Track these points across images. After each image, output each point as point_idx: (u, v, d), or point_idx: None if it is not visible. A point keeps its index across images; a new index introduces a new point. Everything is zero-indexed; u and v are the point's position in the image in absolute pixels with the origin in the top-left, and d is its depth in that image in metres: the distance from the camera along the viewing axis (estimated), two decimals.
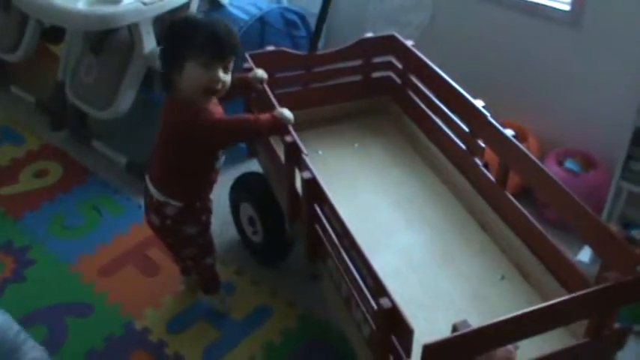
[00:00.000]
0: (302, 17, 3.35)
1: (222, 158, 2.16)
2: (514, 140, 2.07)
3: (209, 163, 2.14)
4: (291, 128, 2.06)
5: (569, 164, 2.75)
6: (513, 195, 2.16)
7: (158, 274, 2.58)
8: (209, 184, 2.19)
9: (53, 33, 3.43)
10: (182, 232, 2.18)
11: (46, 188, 3.06)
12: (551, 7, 2.75)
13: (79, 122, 3.30)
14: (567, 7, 2.70)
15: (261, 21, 3.26)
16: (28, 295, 2.52)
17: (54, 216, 2.88)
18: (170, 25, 2.01)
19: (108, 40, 3.00)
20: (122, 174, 3.10)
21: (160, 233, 2.24)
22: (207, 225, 2.26)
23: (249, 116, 2.11)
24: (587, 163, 2.77)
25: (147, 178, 2.15)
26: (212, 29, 1.95)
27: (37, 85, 3.65)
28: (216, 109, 2.05)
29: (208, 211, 2.24)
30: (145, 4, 2.71)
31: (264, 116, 2.07)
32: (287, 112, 2.08)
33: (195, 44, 1.92)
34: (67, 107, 3.25)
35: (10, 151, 3.30)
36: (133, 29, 2.82)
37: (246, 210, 2.54)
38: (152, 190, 2.12)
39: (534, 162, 2.00)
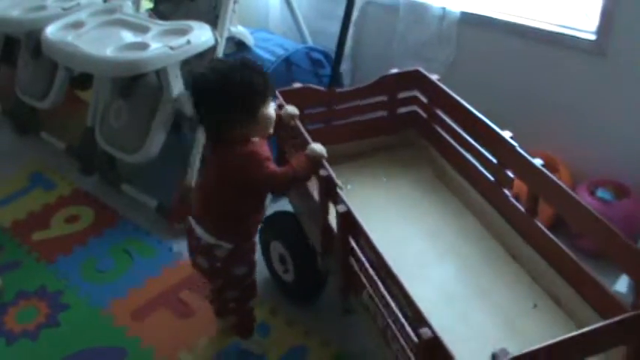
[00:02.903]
0: (327, 56, 3.38)
1: (269, 197, 2.18)
2: (544, 169, 2.06)
3: (260, 204, 2.18)
4: (325, 162, 2.07)
5: (601, 193, 2.72)
6: (548, 226, 2.14)
7: (192, 317, 2.58)
8: (258, 223, 2.22)
9: (81, 80, 3.48)
10: (232, 273, 2.20)
11: (77, 233, 3.08)
12: (576, 37, 2.75)
13: (108, 167, 3.34)
14: (593, 37, 2.70)
15: (287, 61, 3.30)
16: (62, 339, 2.52)
17: (86, 260, 2.90)
18: (220, 80, 1.98)
19: (136, 84, 3.04)
20: (153, 217, 3.12)
21: (209, 275, 2.25)
22: (254, 264, 2.28)
23: (289, 168, 2.09)
24: (620, 191, 2.74)
25: (192, 221, 2.16)
26: (259, 68, 2.03)
27: (67, 131, 3.70)
28: (264, 149, 2.07)
29: (254, 250, 2.26)
30: (172, 48, 2.75)
31: (299, 160, 2.08)
32: (318, 147, 2.09)
33: (261, 87, 1.97)
34: (97, 152, 3.29)
35: (41, 197, 3.34)
36: (161, 74, 2.85)
37: (277, 249, 2.54)
38: (200, 233, 2.12)
39: (566, 191, 1.98)
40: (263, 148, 2.08)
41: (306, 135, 2.19)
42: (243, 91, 1.96)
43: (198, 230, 2.12)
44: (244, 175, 2.02)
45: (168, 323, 2.56)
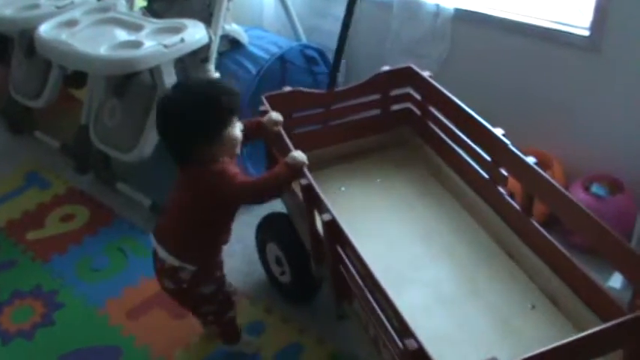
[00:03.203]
0: (321, 53, 3.38)
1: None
2: (536, 167, 2.05)
3: (228, 224, 2.15)
4: (306, 170, 2.05)
5: (595, 189, 2.73)
6: (541, 222, 2.15)
7: (186, 316, 2.56)
8: (223, 244, 2.20)
9: (75, 78, 3.48)
10: (200, 292, 2.17)
11: (72, 232, 3.08)
12: (569, 32, 2.75)
13: (103, 165, 3.33)
14: (586, 33, 2.70)
15: (282, 59, 3.30)
16: (57, 338, 2.52)
17: (81, 259, 2.90)
18: (184, 103, 1.96)
19: (130, 83, 3.03)
20: (147, 215, 3.11)
21: (177, 297, 2.22)
22: (222, 280, 2.25)
23: (266, 175, 2.10)
24: (614, 187, 2.74)
25: (156, 244, 2.13)
26: (225, 87, 2.02)
27: (61, 129, 3.70)
28: (234, 168, 2.05)
29: (221, 266, 2.24)
30: (166, 46, 2.75)
31: (279, 168, 2.06)
32: (299, 155, 2.06)
33: (225, 108, 1.95)
34: (92, 151, 3.28)
35: (36, 196, 3.33)
36: (155, 72, 2.85)
37: (273, 250, 2.54)
38: (164, 255, 2.09)
39: (558, 189, 1.98)
40: (231, 166, 2.05)
41: (288, 142, 2.17)
42: (205, 112, 1.93)
43: (161, 252, 2.10)
44: (216, 192, 2.00)
45: (163, 322, 2.56)
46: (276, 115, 2.28)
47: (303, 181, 2.03)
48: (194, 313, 2.36)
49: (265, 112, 2.30)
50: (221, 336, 2.41)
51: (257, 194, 2.08)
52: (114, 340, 2.50)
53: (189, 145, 1.97)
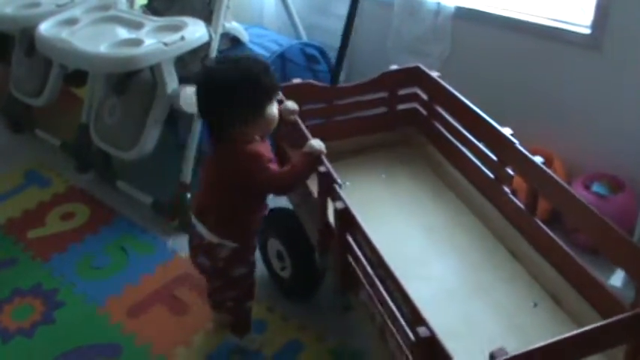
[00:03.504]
0: (322, 52, 3.38)
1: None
2: (543, 167, 2.06)
3: (261, 203, 2.18)
4: (324, 158, 2.06)
5: (596, 188, 2.73)
6: (543, 221, 2.14)
7: (187, 313, 2.57)
8: (260, 221, 2.21)
9: (76, 76, 3.47)
10: (233, 273, 2.19)
11: (73, 230, 3.07)
12: (571, 31, 2.75)
13: (103, 163, 3.33)
14: (588, 31, 2.70)
15: (282, 57, 3.29)
16: (58, 337, 2.52)
17: (81, 257, 2.89)
18: (229, 75, 1.97)
19: (130, 81, 3.03)
20: (148, 214, 3.11)
21: (210, 274, 2.24)
22: (254, 266, 2.27)
23: (291, 168, 2.08)
24: (615, 185, 2.74)
25: (195, 220, 2.14)
26: (266, 65, 2.01)
27: (62, 128, 3.69)
28: (267, 150, 2.07)
29: (254, 252, 2.26)
30: (166, 44, 2.74)
31: (300, 159, 2.07)
32: (317, 143, 2.07)
33: (268, 84, 1.96)
34: (92, 149, 3.28)
35: (36, 194, 3.33)
36: (155, 70, 2.85)
37: (275, 245, 2.54)
38: (204, 232, 2.10)
39: (563, 187, 1.98)
40: (266, 148, 2.07)
41: (306, 131, 2.18)
42: (251, 87, 1.94)
43: (201, 229, 2.11)
44: (247, 175, 2.01)
45: (163, 320, 2.56)
46: (292, 104, 2.28)
47: (322, 169, 2.03)
48: (216, 295, 2.37)
49: (280, 102, 2.30)
50: (232, 325, 2.40)
51: (286, 186, 2.11)
52: (114, 338, 2.50)
53: (231, 120, 1.97)
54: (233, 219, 2.11)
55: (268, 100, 1.99)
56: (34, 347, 2.48)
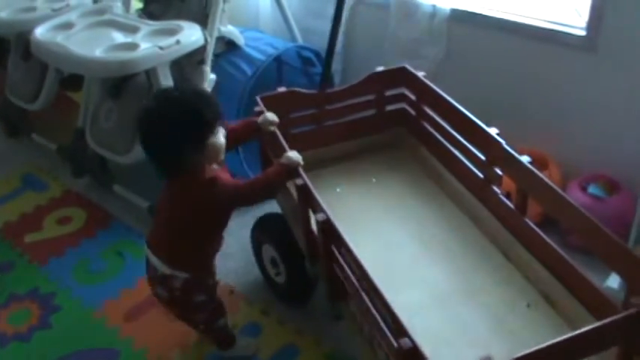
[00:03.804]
0: (318, 54, 3.38)
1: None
2: (530, 166, 2.05)
3: (219, 232, 2.16)
4: (301, 170, 2.05)
5: (592, 189, 2.72)
6: (538, 223, 2.14)
7: None
8: (215, 252, 2.20)
9: (72, 81, 3.47)
10: (192, 301, 2.17)
11: (69, 234, 3.07)
12: (566, 32, 2.75)
13: (100, 168, 3.33)
14: (583, 33, 2.70)
15: (278, 60, 3.30)
16: (54, 341, 2.52)
17: (78, 262, 2.90)
18: (167, 112, 1.94)
19: (126, 85, 3.03)
20: (144, 218, 3.10)
21: (169, 305, 2.22)
22: (214, 288, 2.26)
23: (260, 177, 2.10)
24: (612, 187, 2.74)
25: (148, 252, 2.13)
26: (207, 96, 2.02)
27: (58, 132, 3.68)
28: (225, 175, 2.05)
29: (213, 275, 2.24)
30: (161, 48, 2.74)
31: (273, 169, 2.08)
32: (294, 155, 2.07)
33: (209, 116, 1.93)
34: (88, 153, 3.28)
35: (33, 199, 3.33)
36: (151, 74, 2.84)
37: (269, 251, 2.54)
38: (157, 263, 2.09)
39: (553, 188, 1.98)
40: (221, 172, 2.05)
41: (283, 142, 2.17)
42: (190, 121, 1.91)
43: (154, 260, 2.10)
44: (211, 200, 1.99)
45: (160, 324, 2.55)
46: (271, 116, 2.28)
47: (299, 181, 2.03)
48: (186, 322, 2.33)
49: (260, 113, 2.30)
50: (215, 343, 2.41)
51: (252, 196, 2.09)
52: (111, 342, 2.50)
53: (174, 155, 1.95)
54: (186, 251, 2.09)
55: (210, 131, 1.95)
56: (31, 352, 2.48)
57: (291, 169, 2.06)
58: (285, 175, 2.06)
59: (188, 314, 2.26)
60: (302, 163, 2.07)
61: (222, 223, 2.14)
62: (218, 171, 2.03)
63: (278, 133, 2.24)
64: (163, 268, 2.08)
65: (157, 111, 1.96)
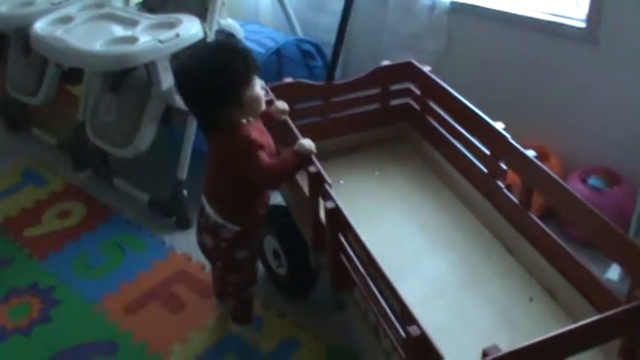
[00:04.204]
0: (317, 47, 3.38)
1: None
2: (536, 161, 2.05)
3: (261, 189, 2.19)
4: (314, 158, 2.06)
5: (592, 181, 2.72)
6: (539, 215, 2.14)
7: (184, 310, 2.57)
8: (263, 206, 2.21)
9: (72, 75, 3.47)
10: (234, 256, 2.21)
11: (69, 228, 3.07)
12: (566, 24, 2.75)
13: (100, 161, 3.33)
14: (582, 24, 2.69)
15: (278, 53, 3.29)
16: (55, 335, 2.52)
17: (78, 256, 2.89)
18: (197, 69, 1.97)
19: (126, 78, 3.04)
20: (145, 211, 3.11)
21: (212, 255, 2.28)
22: (256, 252, 2.30)
23: (279, 161, 2.09)
24: (612, 179, 2.74)
25: (203, 198, 2.17)
26: (240, 47, 2.03)
27: (58, 126, 3.70)
28: (258, 133, 2.07)
29: (257, 239, 2.29)
30: (161, 42, 2.73)
31: (287, 155, 2.08)
32: (307, 143, 2.08)
33: (240, 68, 1.95)
34: (88, 147, 3.28)
35: (33, 193, 3.33)
36: (151, 67, 2.84)
37: (271, 243, 2.54)
38: (210, 211, 2.14)
39: (557, 181, 1.98)
40: (257, 130, 2.07)
41: (296, 130, 2.18)
42: (221, 76, 1.94)
43: (208, 209, 2.14)
44: (237, 164, 2.03)
45: (160, 317, 2.56)
46: (282, 104, 2.28)
47: (312, 169, 2.03)
48: (219, 279, 2.39)
49: (269, 102, 2.30)
50: (233, 313, 2.41)
51: (274, 178, 2.09)
52: (111, 335, 2.50)
53: (211, 109, 1.99)
54: (235, 204, 2.13)
55: (243, 83, 1.96)
56: (31, 346, 2.48)
57: (305, 157, 2.06)
58: (301, 162, 2.06)
59: (226, 270, 2.29)
60: (315, 151, 2.08)
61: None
62: (252, 128, 2.04)
63: (290, 121, 2.24)
64: (215, 217, 2.12)
65: (189, 68, 1.99)
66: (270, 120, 2.25)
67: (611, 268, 2.45)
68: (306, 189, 2.14)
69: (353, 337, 2.37)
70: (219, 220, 2.12)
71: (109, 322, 2.55)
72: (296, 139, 2.11)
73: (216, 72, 1.93)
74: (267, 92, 2.37)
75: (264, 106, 2.08)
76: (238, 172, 2.05)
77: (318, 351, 2.39)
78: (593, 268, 1.93)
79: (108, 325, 2.54)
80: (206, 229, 2.18)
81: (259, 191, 2.18)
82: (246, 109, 2.00)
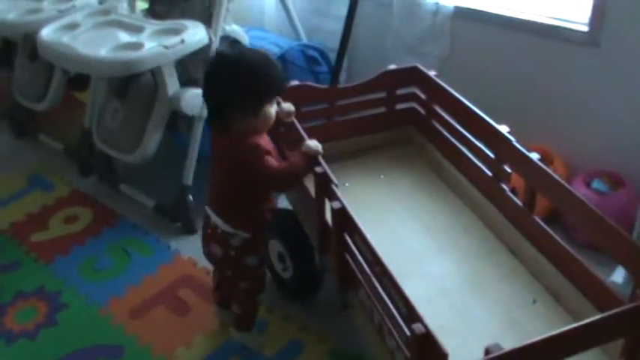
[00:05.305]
0: (322, 53, 3.39)
1: None
2: (540, 164, 2.06)
3: (267, 192, 2.21)
4: (320, 159, 2.08)
5: (596, 185, 2.73)
6: (543, 218, 2.15)
7: (189, 314, 2.58)
8: (269, 211, 2.22)
9: (79, 81, 3.49)
10: (244, 262, 2.21)
11: (76, 233, 3.09)
12: (569, 28, 2.76)
13: (106, 167, 3.35)
14: (585, 28, 2.70)
15: (283, 59, 3.30)
16: (61, 339, 2.53)
17: (84, 260, 2.91)
18: (241, 62, 2.00)
19: (132, 84, 3.05)
20: (151, 216, 3.13)
21: (221, 264, 2.27)
22: (265, 257, 2.31)
23: (287, 164, 2.11)
24: (615, 182, 2.74)
25: (208, 209, 2.18)
26: (277, 66, 2.06)
27: (65, 132, 3.72)
28: (266, 141, 2.09)
29: (266, 243, 2.29)
30: (166, 48, 2.75)
31: (295, 157, 2.09)
32: (314, 144, 2.10)
33: (275, 85, 2.01)
34: (95, 153, 3.30)
35: (40, 198, 3.35)
36: (156, 73, 2.86)
37: (275, 247, 2.54)
38: (218, 221, 2.14)
39: (561, 184, 1.98)
40: (264, 140, 2.09)
41: (302, 132, 2.19)
42: (258, 81, 1.97)
43: (215, 218, 2.15)
44: (246, 166, 2.04)
45: (165, 321, 2.57)
46: (288, 106, 2.29)
47: (318, 169, 2.04)
48: (226, 287, 2.40)
49: (277, 104, 2.31)
50: (236, 320, 2.41)
51: (283, 181, 2.13)
52: (117, 339, 2.51)
53: (230, 109, 2.00)
54: (244, 211, 2.14)
55: (269, 98, 2.02)
56: (38, 349, 2.49)
57: (312, 158, 2.08)
58: (307, 164, 2.08)
59: (237, 277, 2.29)
60: (321, 151, 2.09)
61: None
62: (260, 137, 2.07)
63: (296, 123, 2.26)
64: (224, 226, 2.13)
65: (231, 60, 2.01)
66: (276, 122, 2.26)
67: (615, 271, 2.45)
68: (312, 190, 2.16)
69: (357, 340, 2.37)
70: (229, 229, 2.13)
71: (114, 326, 2.56)
72: (302, 140, 2.13)
73: (257, 75, 1.98)
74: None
75: (269, 126, 2.11)
76: (248, 178, 2.06)
77: (321, 353, 2.40)
78: (597, 271, 1.94)
79: (113, 329, 2.55)
80: (214, 239, 2.19)
81: (267, 196, 2.20)
82: (257, 122, 2.03)
